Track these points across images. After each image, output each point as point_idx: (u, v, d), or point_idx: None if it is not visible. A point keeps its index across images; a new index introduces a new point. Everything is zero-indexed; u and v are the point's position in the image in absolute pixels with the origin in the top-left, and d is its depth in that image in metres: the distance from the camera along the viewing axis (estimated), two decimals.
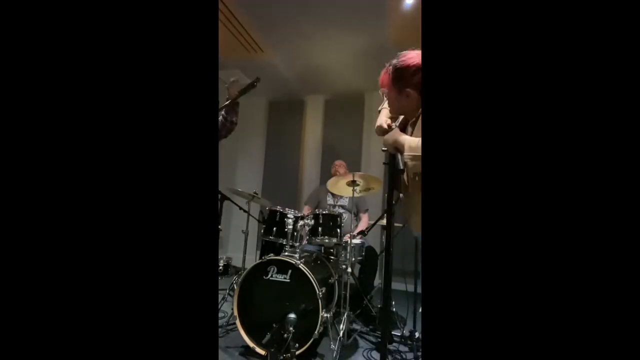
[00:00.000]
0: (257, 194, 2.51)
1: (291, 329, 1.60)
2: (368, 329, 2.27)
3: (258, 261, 1.84)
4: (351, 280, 2.09)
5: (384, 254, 2.61)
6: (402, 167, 0.92)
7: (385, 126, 1.07)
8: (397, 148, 0.95)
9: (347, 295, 2.00)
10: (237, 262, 3.76)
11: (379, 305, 2.57)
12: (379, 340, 2.07)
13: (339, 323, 1.98)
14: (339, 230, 2.19)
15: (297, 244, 2.03)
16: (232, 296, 1.97)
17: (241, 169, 4.68)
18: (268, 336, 1.65)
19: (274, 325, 1.65)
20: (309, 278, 1.73)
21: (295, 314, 1.62)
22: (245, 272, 1.84)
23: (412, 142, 0.92)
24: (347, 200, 2.90)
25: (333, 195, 2.86)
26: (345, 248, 2.16)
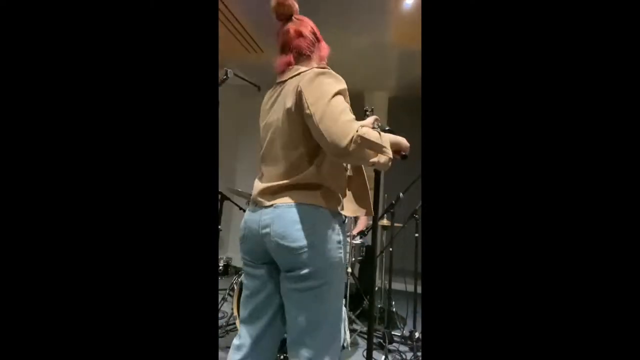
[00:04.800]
0: None
1: None
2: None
3: None
4: (351, 280, 2.09)
5: (383, 254, 2.61)
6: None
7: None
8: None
9: (347, 295, 2.00)
10: (237, 262, 3.76)
11: (379, 305, 2.57)
12: (380, 339, 2.07)
13: None
14: None
15: None
16: (232, 296, 1.97)
17: (241, 169, 4.68)
18: None
19: None
20: None
21: None
22: None
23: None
24: None
25: None
26: None
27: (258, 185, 0.94)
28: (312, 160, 0.87)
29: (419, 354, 1.88)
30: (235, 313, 1.79)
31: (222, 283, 3.18)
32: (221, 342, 1.89)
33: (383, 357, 1.83)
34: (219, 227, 2.29)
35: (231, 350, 0.94)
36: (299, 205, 0.84)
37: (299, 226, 0.82)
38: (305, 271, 0.82)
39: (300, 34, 0.99)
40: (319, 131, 0.78)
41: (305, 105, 0.81)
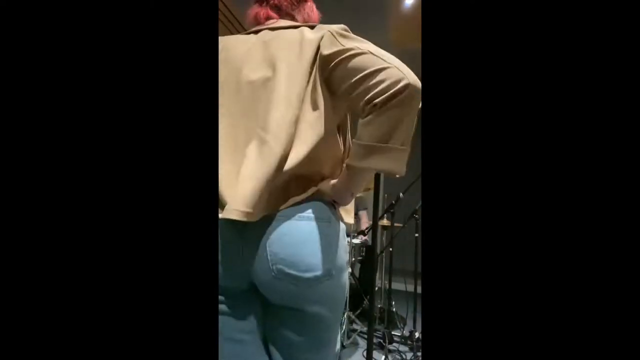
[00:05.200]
0: None
1: None
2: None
3: None
4: (351, 280, 2.09)
5: (383, 254, 2.62)
6: None
7: None
8: None
9: (347, 295, 2.00)
10: None
11: (379, 305, 2.57)
12: (380, 339, 2.07)
13: None
14: None
15: None
16: None
17: None
18: None
19: None
20: None
21: None
22: None
23: None
24: None
25: None
26: None
27: (235, 179, 0.61)
28: (329, 144, 0.63)
29: (419, 354, 1.88)
30: None
31: None
32: None
33: (383, 357, 1.83)
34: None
35: None
36: (312, 219, 0.60)
37: (314, 247, 0.59)
38: (315, 308, 0.61)
39: None
40: (379, 64, 0.56)
41: (340, 46, 0.59)
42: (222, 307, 0.63)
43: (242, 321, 0.64)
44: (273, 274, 0.59)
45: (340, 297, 0.65)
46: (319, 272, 0.59)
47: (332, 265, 0.60)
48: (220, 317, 0.63)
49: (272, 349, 0.65)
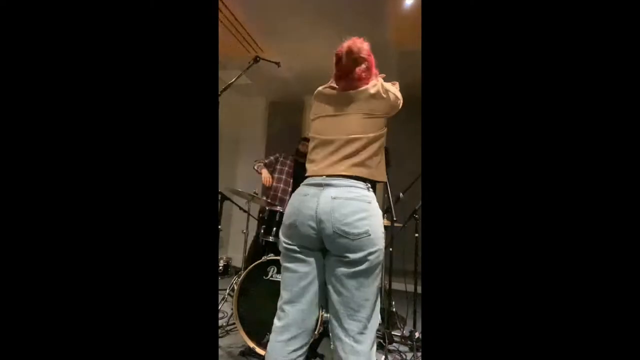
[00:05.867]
0: (257, 194, 2.50)
1: None
2: None
3: (258, 261, 1.84)
4: None
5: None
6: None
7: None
8: None
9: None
10: (237, 262, 3.76)
11: (380, 306, 2.56)
12: (380, 339, 2.07)
13: None
14: None
15: None
16: (232, 296, 1.97)
17: (241, 169, 4.68)
18: (268, 336, 1.65)
19: None
20: None
21: None
22: (245, 272, 1.84)
23: None
24: None
25: None
26: None
27: (322, 171, 1.04)
28: (377, 156, 1.06)
29: (419, 354, 1.88)
30: (235, 313, 1.78)
31: (222, 283, 3.17)
32: (221, 342, 1.89)
33: (383, 357, 1.82)
34: (219, 227, 2.29)
35: (276, 332, 1.05)
36: (361, 197, 0.98)
37: (360, 215, 0.95)
38: (359, 255, 0.95)
39: (368, 73, 1.16)
40: (396, 96, 1.13)
41: (384, 95, 1.11)
42: (299, 255, 1.04)
43: (310, 265, 1.04)
44: (334, 231, 0.96)
45: (374, 253, 0.96)
46: (361, 230, 0.94)
47: (370, 228, 0.96)
48: (293, 261, 1.06)
49: (328, 286, 1.02)
